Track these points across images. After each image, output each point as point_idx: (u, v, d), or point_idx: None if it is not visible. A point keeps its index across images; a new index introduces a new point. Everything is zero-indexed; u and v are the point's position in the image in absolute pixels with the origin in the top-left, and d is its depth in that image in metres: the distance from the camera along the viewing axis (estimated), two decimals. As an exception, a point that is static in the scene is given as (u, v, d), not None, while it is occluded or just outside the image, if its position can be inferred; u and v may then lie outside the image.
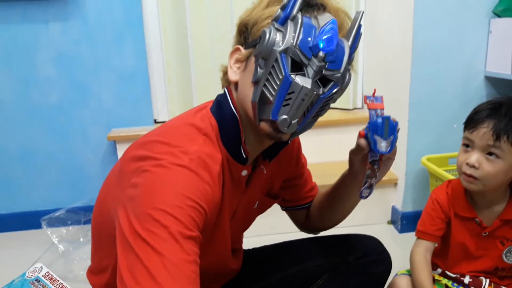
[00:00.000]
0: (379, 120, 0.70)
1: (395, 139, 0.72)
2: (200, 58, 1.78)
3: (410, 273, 0.97)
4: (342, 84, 0.66)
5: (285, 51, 0.62)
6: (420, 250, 0.96)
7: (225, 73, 0.74)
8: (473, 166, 0.85)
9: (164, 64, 1.76)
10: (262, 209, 0.89)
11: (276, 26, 0.63)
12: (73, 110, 1.71)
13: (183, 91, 1.81)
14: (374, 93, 0.74)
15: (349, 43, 0.65)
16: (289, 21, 0.63)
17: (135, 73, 1.71)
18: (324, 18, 0.64)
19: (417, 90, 1.52)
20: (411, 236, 1.61)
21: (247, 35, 0.69)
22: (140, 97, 1.73)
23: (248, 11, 0.70)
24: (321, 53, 0.61)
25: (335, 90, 0.65)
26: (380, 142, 0.70)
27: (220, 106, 0.72)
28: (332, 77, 0.64)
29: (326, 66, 0.62)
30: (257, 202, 0.85)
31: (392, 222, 1.70)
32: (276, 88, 0.62)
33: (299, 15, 0.63)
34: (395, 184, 1.67)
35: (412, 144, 1.57)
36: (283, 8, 0.63)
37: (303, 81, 0.61)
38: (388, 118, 0.70)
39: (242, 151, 0.71)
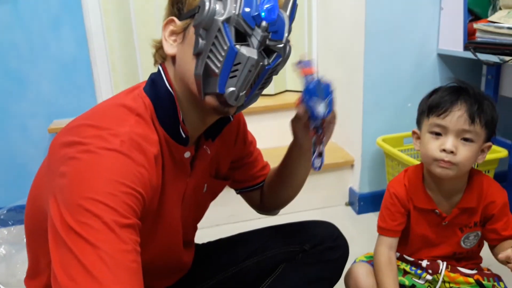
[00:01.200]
0: (312, 84, 0.70)
1: (331, 100, 0.72)
2: (146, 42, 1.68)
3: (374, 271, 0.95)
4: (284, 55, 0.65)
5: (228, 20, 0.59)
6: (384, 250, 0.93)
7: (158, 48, 0.70)
8: (451, 152, 0.82)
9: (107, 50, 1.66)
10: (213, 192, 0.86)
11: None
12: (9, 102, 1.58)
13: (129, 78, 1.71)
14: (306, 60, 0.73)
15: (287, 13, 0.63)
16: None
17: (76, 60, 1.60)
18: None
19: (371, 71, 1.50)
20: (369, 217, 1.65)
21: (182, 5, 0.65)
22: (82, 85, 1.63)
23: None
24: (264, 23, 0.59)
25: (279, 61, 0.64)
26: (318, 106, 0.71)
27: (154, 84, 0.67)
28: (275, 48, 0.63)
29: (270, 37, 0.61)
30: (206, 185, 0.81)
31: (350, 203, 1.70)
32: (221, 59, 0.59)
33: None
34: (352, 166, 1.66)
35: (367, 125, 1.56)
36: None
37: (249, 52, 0.60)
38: (319, 80, 0.70)
39: (181, 130, 0.67)
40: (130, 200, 0.54)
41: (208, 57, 0.60)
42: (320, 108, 0.71)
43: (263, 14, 0.59)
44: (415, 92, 1.52)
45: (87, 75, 1.63)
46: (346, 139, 1.71)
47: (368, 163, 1.60)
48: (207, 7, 0.59)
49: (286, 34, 0.63)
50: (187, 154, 0.71)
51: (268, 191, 0.93)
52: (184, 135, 0.67)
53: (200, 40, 0.60)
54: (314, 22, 1.84)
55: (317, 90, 0.70)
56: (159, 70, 0.69)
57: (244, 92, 0.62)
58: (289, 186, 0.89)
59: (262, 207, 0.96)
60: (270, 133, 1.70)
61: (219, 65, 0.60)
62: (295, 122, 0.77)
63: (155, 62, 0.71)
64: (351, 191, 1.69)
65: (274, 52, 0.63)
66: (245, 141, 0.88)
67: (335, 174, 1.66)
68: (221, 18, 0.59)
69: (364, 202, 1.63)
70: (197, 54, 0.61)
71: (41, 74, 1.59)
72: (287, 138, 1.83)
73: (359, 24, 1.48)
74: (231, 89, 0.61)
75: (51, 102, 1.61)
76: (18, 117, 1.60)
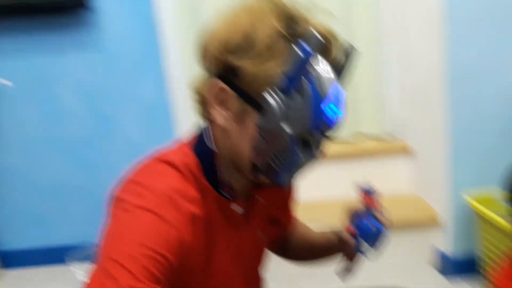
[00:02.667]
0: (374, 229, 0.70)
1: (382, 236, 0.72)
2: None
3: None
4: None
5: (293, 130, 0.58)
6: None
7: (200, 103, 0.67)
8: None
9: (187, 95, 1.74)
10: (270, 237, 0.83)
11: (280, 96, 0.57)
12: (99, 142, 1.71)
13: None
14: (368, 187, 0.72)
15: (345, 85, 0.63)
16: (294, 90, 0.58)
17: (157, 105, 1.69)
18: (327, 74, 0.59)
19: (455, 116, 1.39)
20: (458, 283, 1.48)
21: (235, 75, 0.60)
22: (165, 125, 1.70)
23: (230, 42, 0.60)
24: (329, 129, 0.61)
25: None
26: (367, 247, 0.72)
27: (199, 140, 0.67)
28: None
29: (330, 134, 0.63)
30: (263, 233, 0.79)
31: (434, 266, 1.55)
32: (283, 162, 0.61)
33: (304, 84, 0.57)
34: (436, 223, 1.52)
35: (452, 175, 1.43)
36: (287, 74, 0.57)
37: (310, 156, 0.62)
38: (383, 230, 0.70)
39: (222, 187, 0.66)
40: (151, 264, 0.54)
41: (269, 157, 0.61)
42: (369, 251, 0.72)
43: (329, 122, 0.60)
44: (506, 139, 1.42)
45: (170, 119, 1.70)
46: (428, 190, 1.60)
47: (453, 219, 1.45)
48: (272, 111, 0.58)
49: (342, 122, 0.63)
50: (237, 209, 0.69)
51: (293, 246, 0.91)
52: (225, 194, 0.67)
53: (261, 138, 0.59)
54: (390, 62, 1.79)
55: (370, 228, 0.71)
56: (205, 128, 0.67)
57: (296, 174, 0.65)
58: (316, 259, 0.89)
59: (281, 253, 0.93)
60: (341, 182, 1.64)
61: (280, 165, 0.61)
62: (338, 237, 0.77)
63: (200, 114, 0.68)
64: (436, 252, 1.53)
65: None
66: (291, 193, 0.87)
67: (417, 231, 1.53)
68: (287, 129, 0.58)
69: (451, 266, 1.47)
70: (256, 148, 0.61)
71: (126, 115, 1.69)
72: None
73: (440, 69, 1.40)
74: (285, 177, 0.63)
75: (133, 141, 1.71)
76: (107, 156, 1.71)
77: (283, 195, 0.84)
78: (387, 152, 1.72)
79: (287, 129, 0.58)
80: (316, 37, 0.57)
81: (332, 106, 0.59)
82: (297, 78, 0.57)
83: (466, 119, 1.40)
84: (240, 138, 0.63)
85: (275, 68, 0.58)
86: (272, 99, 0.57)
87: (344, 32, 1.73)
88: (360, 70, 1.76)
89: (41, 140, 1.69)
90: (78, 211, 1.75)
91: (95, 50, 1.64)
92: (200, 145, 0.67)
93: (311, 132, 0.60)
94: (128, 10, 1.61)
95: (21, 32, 1.60)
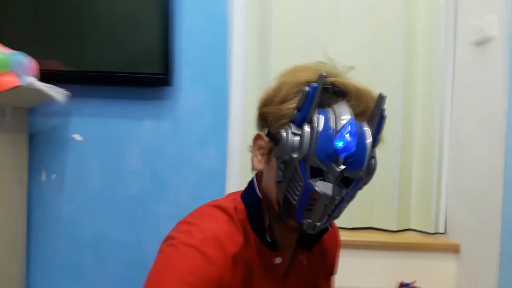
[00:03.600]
0: None
1: None
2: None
3: None
4: (367, 176, 0.65)
5: (304, 159, 0.61)
6: None
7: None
8: None
9: (242, 168, 1.81)
10: None
11: (293, 130, 0.62)
12: (150, 202, 1.78)
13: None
14: (413, 283, 0.73)
15: (372, 129, 0.63)
16: (305, 124, 0.62)
17: (214, 174, 1.77)
18: (342, 112, 0.62)
19: (510, 220, 1.37)
20: None
21: (267, 123, 0.70)
22: (215, 196, 1.75)
23: (266, 97, 0.71)
24: (340, 158, 0.60)
25: (359, 185, 0.65)
26: None
27: (248, 189, 0.74)
28: (355, 176, 0.63)
29: (347, 169, 0.61)
30: None
31: None
32: (298, 193, 0.62)
33: (315, 117, 0.62)
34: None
35: (504, 284, 1.38)
36: (299, 109, 0.63)
37: (324, 188, 0.61)
38: None
39: (267, 235, 0.70)
40: None
41: (287, 190, 0.63)
42: None
43: (339, 151, 0.60)
44: None
45: (221, 188, 1.78)
46: (476, 293, 1.53)
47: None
48: (284, 143, 0.62)
49: (366, 161, 0.62)
50: (278, 260, 0.72)
51: None
52: (269, 240, 0.70)
53: (280, 172, 0.64)
54: (445, 162, 1.80)
55: None
56: (253, 177, 0.75)
57: (322, 222, 0.63)
58: None
59: None
60: (386, 272, 1.60)
61: (296, 198, 0.62)
62: None
63: (252, 168, 0.75)
64: None
65: (353, 179, 0.64)
66: (335, 260, 0.89)
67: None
68: (297, 156, 0.61)
69: None
70: (278, 183, 0.65)
71: (183, 182, 1.78)
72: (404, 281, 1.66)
73: (497, 169, 1.41)
74: (308, 220, 0.63)
75: (186, 207, 1.75)
76: (154, 216, 1.77)
77: (326, 265, 0.85)
78: (433, 247, 1.68)
79: (295, 155, 0.61)
80: (324, 75, 0.62)
81: (342, 139, 0.60)
82: (307, 111, 0.62)
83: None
84: (268, 176, 0.69)
85: (290, 107, 0.64)
86: (285, 131, 0.63)
87: (403, 128, 1.78)
88: (413, 165, 1.79)
89: (97, 194, 1.77)
90: (115, 265, 1.77)
91: (168, 119, 1.77)
92: (248, 193, 0.74)
93: (319, 161, 0.60)
94: (202, 87, 1.77)
95: (103, 98, 1.76)
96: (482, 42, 1.56)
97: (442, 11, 1.77)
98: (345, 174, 0.62)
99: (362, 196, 1.79)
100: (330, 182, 0.61)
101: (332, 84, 0.65)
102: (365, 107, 0.66)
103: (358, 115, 0.64)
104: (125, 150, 1.78)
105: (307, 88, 0.62)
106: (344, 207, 0.67)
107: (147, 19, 1.66)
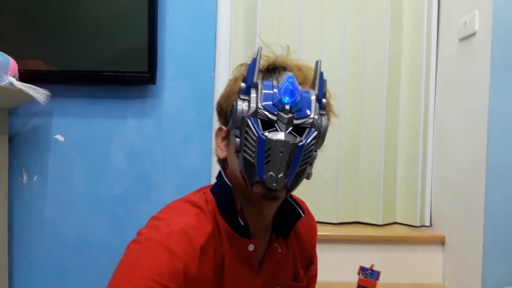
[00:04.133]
0: None
1: None
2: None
3: None
4: (320, 128, 0.68)
5: (253, 114, 0.66)
6: None
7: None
8: None
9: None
10: None
11: (242, 97, 0.68)
12: (134, 202, 1.75)
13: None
14: (371, 267, 0.75)
15: (316, 91, 0.69)
16: (251, 89, 0.68)
17: (199, 172, 1.75)
18: (283, 76, 0.69)
19: (493, 212, 1.40)
20: None
21: (225, 113, 0.76)
22: (201, 195, 1.75)
23: (221, 94, 0.79)
24: (286, 106, 0.66)
25: (313, 135, 0.68)
26: None
27: (217, 182, 0.77)
28: (305, 124, 0.67)
29: (295, 116, 0.66)
30: (277, 283, 0.81)
31: None
32: (254, 149, 0.65)
33: (259, 81, 0.68)
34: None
35: (487, 272, 1.41)
36: (244, 80, 0.69)
37: (276, 135, 0.65)
38: None
39: (240, 219, 0.72)
40: None
41: (245, 151, 0.66)
42: None
43: (283, 98, 0.66)
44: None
45: (205, 183, 1.75)
46: (462, 286, 1.55)
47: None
48: (235, 109, 0.67)
49: (313, 109, 0.68)
50: (250, 247, 0.73)
51: None
52: (242, 223, 0.71)
53: (236, 139, 0.67)
54: (429, 156, 1.83)
55: None
56: (219, 170, 0.79)
57: (283, 173, 0.65)
58: None
59: None
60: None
61: (253, 155, 0.65)
62: None
63: (217, 159, 0.80)
64: None
65: (305, 128, 0.67)
66: (312, 250, 0.90)
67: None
68: (248, 114, 0.66)
69: None
70: (237, 152, 0.68)
71: (167, 181, 1.76)
72: (391, 274, 1.72)
73: (480, 161, 1.43)
74: (269, 173, 0.65)
75: (166, 203, 1.75)
76: (139, 216, 1.75)
77: (304, 254, 0.86)
78: (419, 240, 1.70)
79: (246, 114, 0.66)
80: (261, 47, 0.71)
81: (286, 89, 0.67)
82: (251, 78, 0.68)
83: (501, 217, 1.41)
84: (230, 155, 0.73)
85: (238, 84, 0.71)
86: (235, 102, 0.68)
87: (387, 123, 1.80)
88: (398, 160, 1.80)
89: (80, 195, 1.73)
90: (100, 267, 1.74)
91: (152, 118, 1.75)
92: (217, 184, 0.77)
93: (268, 111, 0.66)
94: (187, 85, 1.75)
95: (86, 97, 1.72)
96: (465, 37, 1.58)
97: (426, 7, 1.78)
98: (295, 122, 0.66)
99: (348, 190, 1.82)
100: (282, 131, 0.65)
101: (273, 64, 0.74)
102: (306, 76, 0.74)
103: (301, 84, 0.71)
104: (109, 150, 1.75)
105: (248, 62, 0.69)
106: (305, 162, 0.68)
107: (130, 16, 1.64)
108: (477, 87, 1.48)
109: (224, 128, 0.76)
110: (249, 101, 0.67)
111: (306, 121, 0.67)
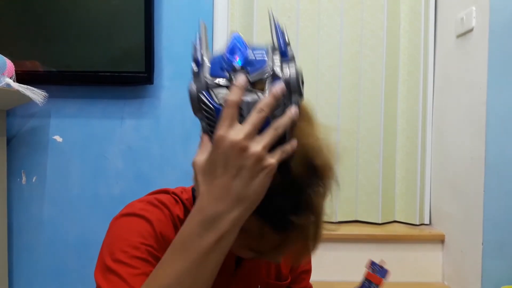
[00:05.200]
0: None
1: None
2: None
3: None
4: (284, 76, 0.56)
5: (204, 87, 0.57)
6: None
7: None
8: None
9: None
10: None
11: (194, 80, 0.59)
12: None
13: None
14: (381, 264, 0.73)
15: (275, 43, 0.58)
16: (199, 67, 0.59)
17: (197, 171, 1.75)
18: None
19: (492, 209, 1.39)
20: None
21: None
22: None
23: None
24: (236, 66, 0.56)
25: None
26: None
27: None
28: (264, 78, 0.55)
29: (249, 73, 0.55)
30: (260, 286, 0.77)
31: None
32: (214, 124, 0.56)
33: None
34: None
35: (487, 270, 1.40)
36: (195, 61, 0.59)
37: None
38: None
39: None
40: (140, 253, 0.64)
41: (207, 130, 0.57)
42: None
43: (231, 58, 0.56)
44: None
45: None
46: (462, 284, 1.54)
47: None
48: (189, 93, 0.58)
49: (270, 62, 0.55)
50: None
51: None
52: None
53: (203, 124, 0.58)
54: (428, 154, 1.82)
55: None
56: None
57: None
58: None
59: None
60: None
61: (213, 129, 0.55)
62: None
63: None
64: None
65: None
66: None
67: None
68: (200, 90, 0.56)
69: None
70: (205, 133, 0.58)
71: (166, 179, 1.75)
72: (392, 272, 1.70)
73: (478, 159, 1.42)
74: None
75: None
76: (138, 216, 1.75)
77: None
78: (419, 238, 1.70)
79: (198, 89, 0.57)
80: (203, 23, 0.65)
81: (232, 49, 0.58)
82: (199, 55, 0.59)
83: (501, 214, 1.40)
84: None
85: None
86: (189, 85, 0.59)
87: (386, 120, 1.79)
88: (397, 158, 1.80)
89: (79, 195, 1.74)
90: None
91: (149, 118, 1.75)
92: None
93: (220, 78, 0.55)
94: (185, 85, 1.72)
95: (83, 98, 1.73)
96: (462, 34, 1.57)
97: (423, 3, 1.78)
98: (251, 79, 0.55)
99: (347, 189, 1.81)
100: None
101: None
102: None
103: None
104: (107, 150, 1.75)
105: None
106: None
107: (127, 16, 1.64)
108: (475, 84, 1.47)
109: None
110: (198, 77, 0.58)
111: (263, 73, 0.55)
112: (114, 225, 0.71)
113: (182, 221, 0.68)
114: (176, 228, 0.70)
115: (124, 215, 0.71)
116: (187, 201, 0.74)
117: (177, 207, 0.72)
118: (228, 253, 0.64)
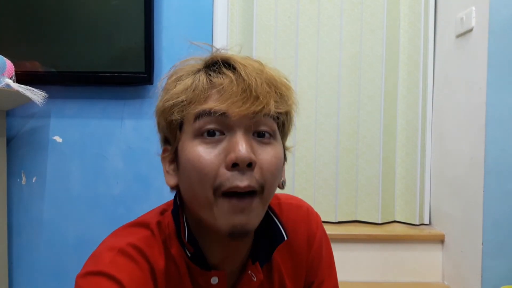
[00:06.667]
0: None
1: None
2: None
3: None
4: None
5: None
6: None
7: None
8: None
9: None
10: None
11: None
12: (133, 202, 1.76)
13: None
14: None
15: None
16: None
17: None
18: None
19: (492, 209, 1.39)
20: None
21: (164, 130, 0.66)
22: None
23: (156, 107, 0.68)
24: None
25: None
26: None
27: (174, 205, 0.67)
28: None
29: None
30: None
31: None
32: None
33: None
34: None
35: (487, 270, 1.40)
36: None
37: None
38: None
39: (185, 249, 0.61)
40: None
41: None
42: None
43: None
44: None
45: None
46: (462, 284, 1.54)
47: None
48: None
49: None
50: (214, 280, 0.61)
51: None
52: (189, 254, 0.61)
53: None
54: (428, 154, 1.82)
55: None
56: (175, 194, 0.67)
57: None
58: None
59: None
60: (372, 265, 1.60)
61: None
62: None
63: (170, 188, 0.70)
64: None
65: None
66: (318, 261, 0.74)
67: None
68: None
69: None
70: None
71: (163, 178, 1.75)
72: (389, 273, 1.70)
73: (478, 159, 1.42)
74: None
75: (165, 201, 1.75)
76: (133, 212, 1.74)
77: (300, 272, 0.71)
78: (419, 238, 1.70)
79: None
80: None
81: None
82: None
83: (501, 215, 1.40)
84: (182, 177, 0.61)
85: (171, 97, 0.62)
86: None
87: (385, 121, 1.79)
88: (397, 158, 1.80)
89: (79, 195, 1.74)
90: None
91: (149, 118, 1.74)
92: (173, 206, 0.66)
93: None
94: None
95: (83, 98, 1.73)
96: (461, 34, 1.57)
97: (423, 3, 1.78)
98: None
99: (347, 189, 1.81)
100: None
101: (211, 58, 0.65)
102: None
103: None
104: (107, 150, 1.75)
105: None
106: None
107: (127, 16, 1.64)
108: (474, 84, 1.47)
109: (168, 148, 0.66)
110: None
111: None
112: (78, 286, 0.59)
113: (164, 273, 0.61)
114: (156, 283, 0.60)
115: (90, 273, 0.58)
116: (168, 239, 0.63)
117: (156, 251, 0.62)
118: (219, 287, 0.62)
